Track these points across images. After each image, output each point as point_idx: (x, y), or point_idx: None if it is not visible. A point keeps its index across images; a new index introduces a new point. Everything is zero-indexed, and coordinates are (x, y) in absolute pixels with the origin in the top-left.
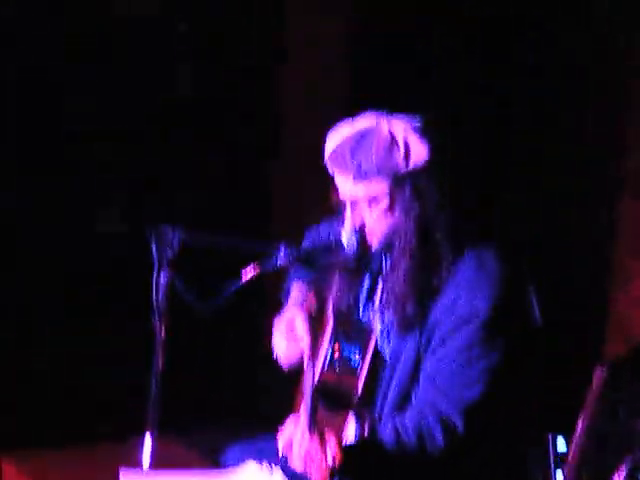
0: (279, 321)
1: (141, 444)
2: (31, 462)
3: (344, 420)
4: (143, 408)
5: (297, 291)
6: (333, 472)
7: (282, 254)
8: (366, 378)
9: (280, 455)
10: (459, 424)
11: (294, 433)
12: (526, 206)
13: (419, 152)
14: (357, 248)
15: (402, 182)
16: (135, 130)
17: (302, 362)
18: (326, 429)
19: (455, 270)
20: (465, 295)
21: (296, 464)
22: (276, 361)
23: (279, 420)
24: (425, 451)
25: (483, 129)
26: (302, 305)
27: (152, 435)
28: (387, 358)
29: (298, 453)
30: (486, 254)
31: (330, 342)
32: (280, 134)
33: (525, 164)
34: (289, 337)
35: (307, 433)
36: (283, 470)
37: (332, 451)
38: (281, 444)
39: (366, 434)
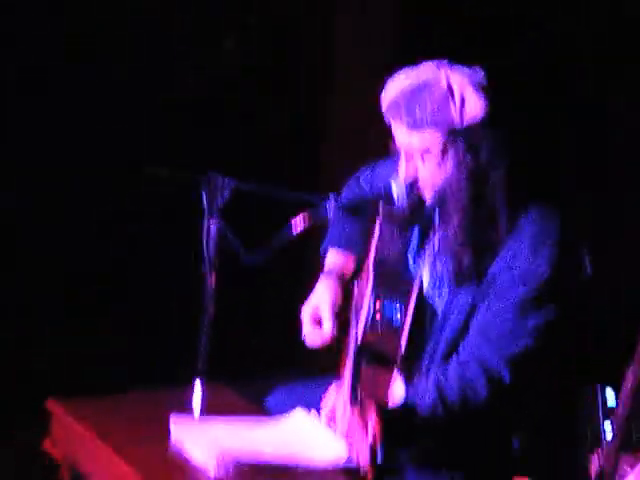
0: (305, 308)
1: (191, 390)
2: (83, 408)
3: (390, 379)
4: None
5: (330, 262)
6: (375, 447)
7: (332, 204)
8: (411, 334)
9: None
10: (505, 375)
11: (337, 403)
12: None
13: (475, 108)
14: (408, 199)
15: (456, 136)
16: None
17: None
18: (366, 390)
19: (517, 225)
20: (526, 252)
21: (339, 433)
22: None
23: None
24: (468, 403)
25: None
26: (331, 289)
27: (202, 381)
28: (438, 311)
29: (340, 427)
30: (550, 213)
31: (370, 302)
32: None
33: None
34: (314, 325)
35: (349, 406)
36: None
37: (373, 428)
38: (324, 415)
39: (407, 394)
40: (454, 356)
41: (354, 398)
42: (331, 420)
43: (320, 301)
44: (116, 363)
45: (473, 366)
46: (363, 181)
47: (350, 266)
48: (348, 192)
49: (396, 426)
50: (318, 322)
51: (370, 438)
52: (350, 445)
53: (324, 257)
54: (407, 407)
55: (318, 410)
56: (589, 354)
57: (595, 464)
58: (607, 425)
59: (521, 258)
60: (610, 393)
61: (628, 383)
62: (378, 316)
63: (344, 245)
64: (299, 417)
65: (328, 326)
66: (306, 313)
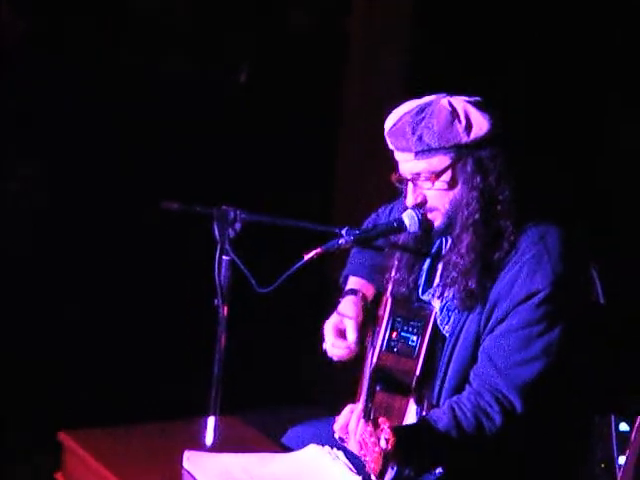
0: (329, 321)
1: (204, 425)
2: (94, 441)
3: (405, 404)
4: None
5: (352, 285)
6: (387, 456)
7: (345, 235)
8: (425, 357)
9: (337, 438)
10: (517, 403)
11: (350, 417)
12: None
13: (480, 123)
14: (419, 226)
15: (464, 155)
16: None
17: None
18: (380, 415)
19: (517, 245)
20: (526, 272)
21: (352, 447)
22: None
23: (339, 402)
24: (483, 430)
25: None
26: (354, 304)
27: (215, 416)
28: (447, 337)
29: (353, 437)
30: (548, 231)
31: (388, 323)
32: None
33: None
34: (337, 337)
35: (362, 418)
36: (344, 452)
37: (385, 434)
38: (337, 428)
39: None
40: (467, 385)
41: (367, 416)
42: (344, 435)
43: (344, 314)
44: (130, 393)
45: (486, 395)
46: (380, 214)
47: (370, 292)
48: (365, 224)
49: (409, 442)
50: (342, 334)
51: (383, 444)
52: (362, 454)
53: (344, 284)
54: (421, 426)
55: (333, 447)
56: (606, 383)
57: None
58: (621, 459)
59: (521, 279)
60: (625, 426)
61: None
62: (394, 337)
63: (365, 275)
64: (313, 452)
65: (352, 337)
66: (329, 326)
